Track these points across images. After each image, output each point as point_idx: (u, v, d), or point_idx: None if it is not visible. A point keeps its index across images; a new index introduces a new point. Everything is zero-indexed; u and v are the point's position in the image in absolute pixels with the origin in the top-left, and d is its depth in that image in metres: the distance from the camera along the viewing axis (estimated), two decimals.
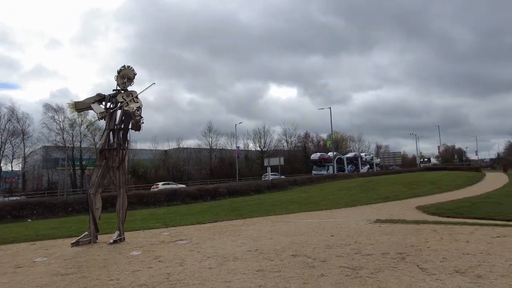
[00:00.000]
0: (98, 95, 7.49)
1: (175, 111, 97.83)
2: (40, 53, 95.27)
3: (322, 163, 52.94)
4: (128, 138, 7.40)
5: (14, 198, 31.45)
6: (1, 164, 42.85)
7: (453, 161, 77.94)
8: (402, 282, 3.52)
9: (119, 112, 7.23)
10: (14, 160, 44.86)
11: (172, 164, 53.75)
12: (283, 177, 37.31)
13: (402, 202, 14.11)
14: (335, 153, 53.62)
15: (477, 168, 46.81)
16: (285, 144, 69.94)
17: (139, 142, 52.15)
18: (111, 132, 7.18)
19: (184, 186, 34.33)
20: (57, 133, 45.65)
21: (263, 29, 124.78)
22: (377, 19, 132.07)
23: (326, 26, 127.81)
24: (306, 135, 74.74)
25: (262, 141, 64.26)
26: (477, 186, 21.84)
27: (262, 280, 3.82)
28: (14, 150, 43.72)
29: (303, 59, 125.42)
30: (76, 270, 4.71)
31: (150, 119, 69.82)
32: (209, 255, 5.26)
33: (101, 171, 7.09)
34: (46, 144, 46.43)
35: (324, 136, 69.60)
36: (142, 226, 9.52)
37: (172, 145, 61.08)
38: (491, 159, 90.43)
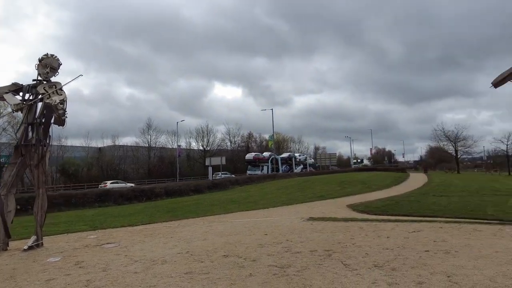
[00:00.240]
0: (14, 84, 6.74)
1: (112, 106, 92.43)
2: None
3: (256, 163, 52.79)
4: (50, 134, 6.77)
5: None
6: None
7: (383, 163, 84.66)
8: (326, 279, 3.66)
9: (40, 104, 6.58)
10: None
11: (107, 162, 50.55)
12: (233, 176, 37.20)
13: (335, 201, 14.88)
14: (270, 153, 54.61)
15: (403, 169, 51.25)
16: (228, 143, 70.03)
17: (70, 138, 48.40)
18: (29, 127, 6.50)
19: (133, 185, 33.76)
20: None
21: (208, 26, 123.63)
22: (319, 25, 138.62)
23: (271, 29, 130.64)
24: (250, 135, 75.69)
25: (205, 140, 63.58)
26: (402, 186, 23.89)
27: (188, 283, 3.71)
28: None
29: (248, 59, 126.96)
30: None
31: (84, 114, 65.13)
32: (137, 258, 5.00)
33: (15, 170, 6.36)
34: None
35: (267, 136, 71.03)
36: (67, 229, 8.77)
37: (107, 142, 57.53)
38: (414, 161, 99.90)
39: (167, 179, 47.05)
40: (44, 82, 6.72)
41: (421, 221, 8.01)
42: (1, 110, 40.56)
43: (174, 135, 57.45)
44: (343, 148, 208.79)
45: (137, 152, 56.33)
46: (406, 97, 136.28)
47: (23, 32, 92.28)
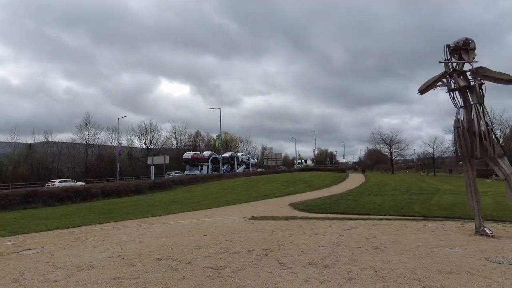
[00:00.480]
0: None
1: (47, 99, 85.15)
2: None
3: (195, 162, 50.56)
4: None
5: None
6: None
7: (325, 163, 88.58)
8: (260, 278, 3.61)
9: None
10: None
11: (38, 160, 46.22)
12: (204, 172, 35.53)
13: (278, 200, 15.14)
14: (210, 152, 53.44)
15: (343, 170, 54.15)
16: (174, 142, 68.07)
17: None
18: None
19: (82, 183, 32.90)
20: None
21: (154, 20, 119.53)
22: (268, 28, 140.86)
23: (220, 28, 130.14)
24: (197, 134, 74.46)
25: (149, 138, 61.09)
26: (341, 185, 25.08)
27: None
28: None
29: (197, 57, 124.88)
30: None
31: (12, 106, 58.94)
32: (60, 265, 4.54)
33: None
34: None
35: (215, 136, 70.37)
36: None
37: (39, 138, 52.64)
38: (354, 162, 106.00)
39: (106, 178, 44.27)
40: None
41: (356, 219, 8.41)
42: None
43: (115, 132, 54.40)
44: (289, 149, 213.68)
45: (73, 149, 52.26)
46: (348, 101, 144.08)
47: None
